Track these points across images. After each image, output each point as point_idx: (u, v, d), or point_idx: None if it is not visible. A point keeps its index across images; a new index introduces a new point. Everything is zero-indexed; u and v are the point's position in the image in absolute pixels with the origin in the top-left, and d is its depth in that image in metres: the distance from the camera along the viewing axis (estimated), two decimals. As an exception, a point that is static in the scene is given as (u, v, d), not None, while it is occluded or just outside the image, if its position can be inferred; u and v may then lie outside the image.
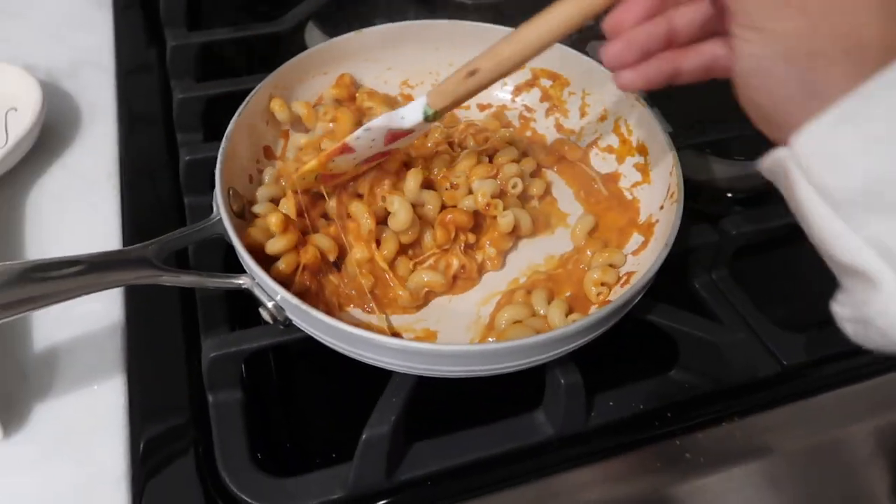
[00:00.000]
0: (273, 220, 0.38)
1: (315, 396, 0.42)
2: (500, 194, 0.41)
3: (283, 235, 0.38)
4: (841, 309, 0.28)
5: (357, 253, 0.39)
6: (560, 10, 0.32)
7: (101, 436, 0.38)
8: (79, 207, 0.48)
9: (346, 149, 0.38)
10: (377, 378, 0.36)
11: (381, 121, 0.37)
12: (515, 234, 0.42)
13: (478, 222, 0.42)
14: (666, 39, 0.33)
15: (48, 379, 0.39)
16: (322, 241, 0.39)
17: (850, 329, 0.27)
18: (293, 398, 0.42)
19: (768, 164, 0.28)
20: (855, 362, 0.43)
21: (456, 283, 0.40)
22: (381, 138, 0.38)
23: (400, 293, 0.39)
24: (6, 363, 0.39)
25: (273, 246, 0.38)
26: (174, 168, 0.50)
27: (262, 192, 0.42)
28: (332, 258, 0.39)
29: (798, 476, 0.39)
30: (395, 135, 0.38)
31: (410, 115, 0.37)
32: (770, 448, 0.39)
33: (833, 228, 0.25)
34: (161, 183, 0.50)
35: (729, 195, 0.55)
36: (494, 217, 0.41)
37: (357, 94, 0.47)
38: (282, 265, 0.37)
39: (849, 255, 0.25)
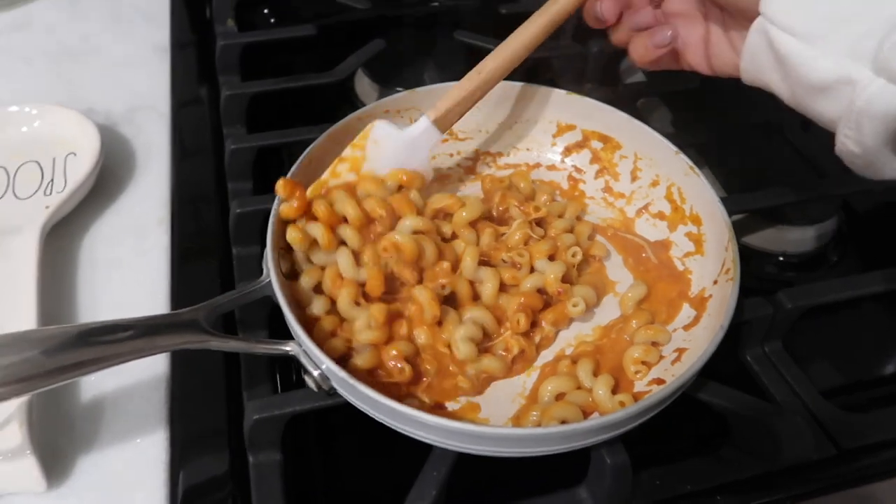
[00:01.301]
0: (375, 313, 0.38)
1: (354, 461, 0.42)
2: (566, 276, 0.41)
3: (379, 329, 0.38)
4: (843, 141, 0.33)
5: (421, 336, 0.38)
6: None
7: (141, 490, 0.38)
8: (130, 253, 0.49)
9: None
10: (420, 446, 0.36)
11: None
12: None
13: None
14: None
15: (93, 431, 0.40)
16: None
17: (858, 162, 0.33)
18: (332, 462, 0.42)
19: (748, 49, 0.35)
20: (916, 447, 0.41)
21: (514, 365, 0.40)
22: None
23: (461, 384, 0.38)
24: (54, 413, 0.40)
25: (362, 335, 0.38)
26: (224, 214, 0.51)
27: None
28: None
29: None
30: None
31: (418, 134, 0.43)
32: (823, 535, 0.38)
33: (809, 57, 0.31)
34: (210, 229, 0.51)
35: (781, 259, 0.53)
36: (561, 299, 0.40)
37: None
38: (363, 359, 0.37)
39: (827, 71, 0.31)
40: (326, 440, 0.42)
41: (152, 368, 0.42)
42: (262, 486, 0.37)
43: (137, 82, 0.63)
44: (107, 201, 0.52)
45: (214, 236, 0.50)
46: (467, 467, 0.36)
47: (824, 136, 0.62)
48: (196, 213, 0.53)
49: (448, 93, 0.43)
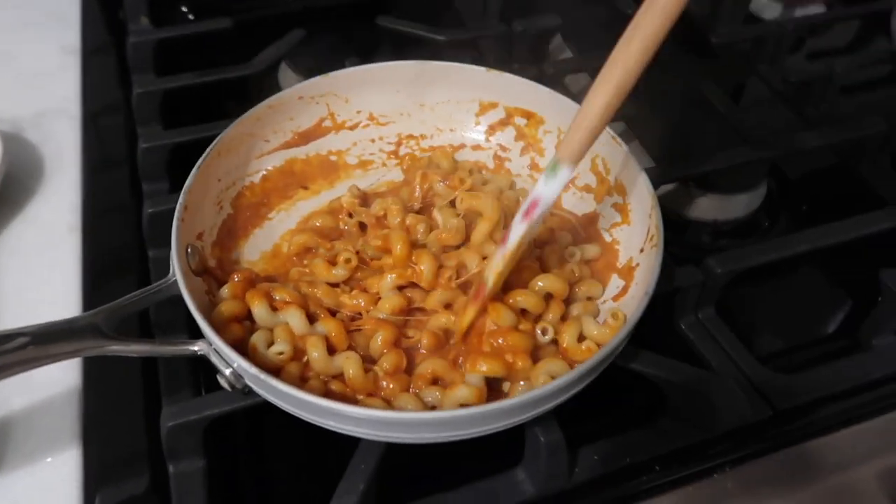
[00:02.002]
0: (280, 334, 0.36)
1: (284, 460, 0.40)
2: None
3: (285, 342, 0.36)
4: None
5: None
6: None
7: (55, 511, 0.36)
8: (40, 262, 0.46)
9: None
10: (349, 440, 0.34)
11: None
12: None
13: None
14: None
15: (1, 450, 0.37)
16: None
17: None
18: (260, 462, 0.40)
19: None
20: (851, 403, 0.41)
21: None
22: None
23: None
24: (-44, 436, 0.37)
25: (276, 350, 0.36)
26: (140, 219, 0.49)
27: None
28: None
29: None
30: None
31: None
32: (765, 498, 0.37)
33: None
34: (125, 236, 0.48)
35: (713, 227, 0.53)
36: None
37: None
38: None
39: None
40: (254, 440, 0.40)
41: (64, 381, 0.40)
42: (183, 496, 0.35)
43: (47, 87, 0.60)
44: (13, 210, 0.50)
45: (131, 242, 0.48)
46: (402, 456, 0.35)
47: (752, 104, 0.63)
48: (111, 219, 0.50)
49: (575, 126, 0.35)
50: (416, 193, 0.43)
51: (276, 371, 0.35)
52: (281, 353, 0.35)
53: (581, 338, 0.37)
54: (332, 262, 0.40)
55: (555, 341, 0.38)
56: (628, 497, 0.37)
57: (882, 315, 0.44)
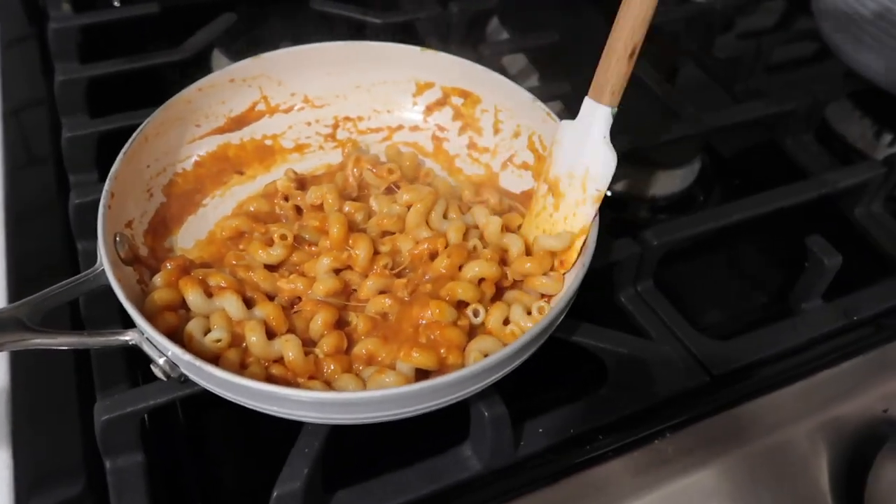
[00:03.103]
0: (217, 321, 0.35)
1: (227, 446, 0.39)
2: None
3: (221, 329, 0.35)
4: None
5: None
6: None
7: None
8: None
9: None
10: (292, 425, 0.34)
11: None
12: None
13: None
14: None
15: (-78, 457, 0.35)
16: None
17: None
18: (203, 451, 0.39)
19: None
20: (783, 365, 0.42)
21: None
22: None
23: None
24: None
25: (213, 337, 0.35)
26: (67, 213, 0.47)
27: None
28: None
29: (742, 487, 0.38)
30: None
31: None
32: (706, 461, 0.38)
33: None
34: (53, 231, 0.46)
35: (650, 203, 0.55)
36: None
37: None
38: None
39: None
40: (196, 428, 0.39)
41: (-11, 381, 0.38)
42: (122, 492, 0.34)
43: (-38, 78, 0.57)
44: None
45: (59, 236, 0.46)
46: (348, 438, 0.34)
47: (683, 82, 0.64)
48: (37, 214, 0.48)
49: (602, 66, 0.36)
50: (350, 180, 0.42)
51: (214, 359, 0.34)
52: (218, 341, 0.35)
53: (506, 321, 0.38)
54: (269, 244, 0.39)
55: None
56: (573, 467, 0.37)
57: (808, 280, 0.45)
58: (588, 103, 0.37)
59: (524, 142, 0.45)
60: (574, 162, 0.38)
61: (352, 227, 0.40)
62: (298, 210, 0.42)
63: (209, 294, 0.36)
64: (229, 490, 0.38)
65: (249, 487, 0.38)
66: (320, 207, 0.41)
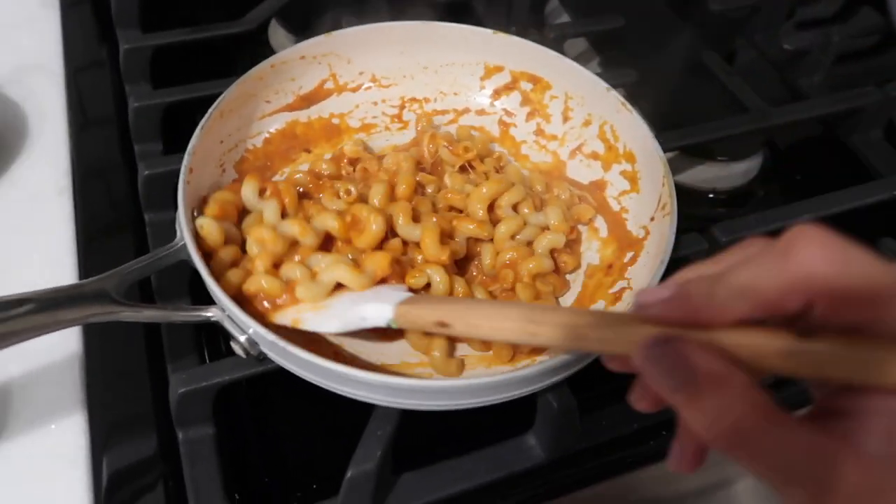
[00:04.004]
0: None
1: (293, 426, 0.40)
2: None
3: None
4: None
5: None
6: (556, 329, 0.27)
7: (61, 480, 0.35)
8: (29, 226, 0.45)
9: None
10: (360, 405, 0.34)
11: (339, 326, 0.34)
12: None
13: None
14: None
15: (1, 420, 0.36)
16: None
17: None
18: (270, 429, 0.39)
19: None
20: None
21: None
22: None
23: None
24: (-47, 405, 0.36)
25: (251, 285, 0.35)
26: (132, 180, 0.47)
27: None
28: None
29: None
30: None
31: (373, 318, 0.33)
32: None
33: None
34: (118, 197, 0.47)
35: (711, 196, 0.54)
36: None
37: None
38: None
39: None
40: (263, 406, 0.40)
41: (63, 347, 0.39)
42: (195, 462, 0.35)
43: (24, 41, 0.57)
44: (-3, 171, 0.48)
45: (124, 204, 0.46)
46: (413, 423, 0.35)
47: (746, 72, 0.63)
48: (102, 180, 0.49)
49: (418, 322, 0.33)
50: (426, 155, 0.42)
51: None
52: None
53: None
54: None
55: None
56: (636, 461, 0.37)
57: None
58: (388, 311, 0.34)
59: (595, 131, 0.44)
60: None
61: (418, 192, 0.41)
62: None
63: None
64: (292, 466, 0.39)
65: (311, 465, 0.39)
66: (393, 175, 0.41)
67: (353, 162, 0.43)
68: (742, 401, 0.21)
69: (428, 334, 0.36)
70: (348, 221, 0.37)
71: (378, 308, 0.33)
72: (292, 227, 0.36)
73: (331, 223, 0.37)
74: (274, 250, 0.35)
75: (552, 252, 0.40)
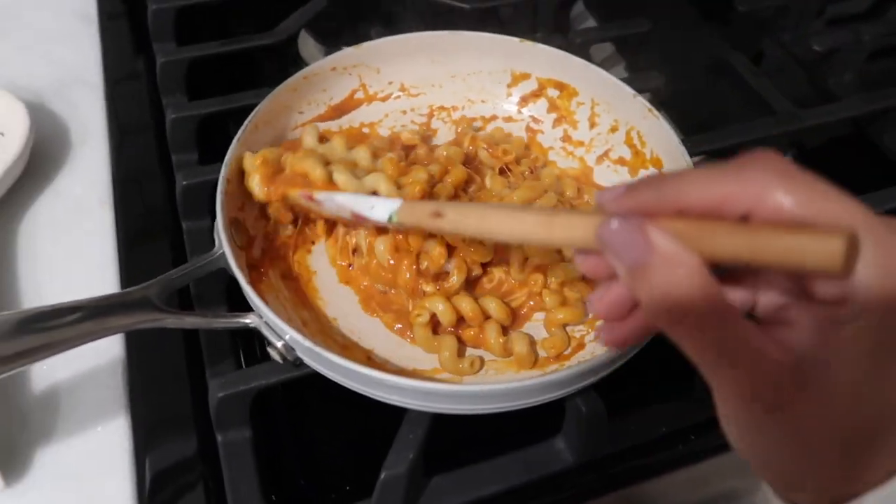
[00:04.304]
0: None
1: (328, 429, 0.41)
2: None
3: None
4: None
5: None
6: (549, 226, 0.28)
7: (107, 479, 0.36)
8: (73, 235, 0.47)
9: (311, 199, 0.38)
10: (392, 409, 0.35)
11: (349, 201, 0.36)
12: None
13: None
14: None
15: (49, 422, 0.38)
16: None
17: None
18: (305, 432, 0.41)
19: None
20: None
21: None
22: (346, 213, 0.37)
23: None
24: (5, 408, 0.38)
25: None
26: (170, 189, 0.49)
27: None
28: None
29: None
30: (358, 217, 0.37)
31: (378, 211, 0.35)
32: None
33: None
34: (156, 206, 0.48)
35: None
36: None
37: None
38: None
39: None
40: (296, 412, 0.41)
41: (107, 353, 0.40)
42: (233, 464, 0.36)
43: (65, 55, 0.59)
44: (42, 183, 0.49)
45: (162, 213, 0.48)
46: (443, 426, 0.35)
47: (774, 73, 0.63)
48: (141, 191, 0.50)
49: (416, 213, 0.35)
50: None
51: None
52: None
53: None
54: None
55: None
56: (665, 465, 0.38)
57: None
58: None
59: (622, 137, 0.45)
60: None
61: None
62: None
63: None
64: (327, 468, 0.40)
65: (345, 468, 0.40)
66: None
67: (407, 149, 0.44)
68: (690, 280, 0.23)
69: (437, 335, 0.38)
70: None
71: (386, 200, 0.35)
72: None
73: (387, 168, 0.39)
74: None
75: None
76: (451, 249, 0.38)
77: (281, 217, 0.40)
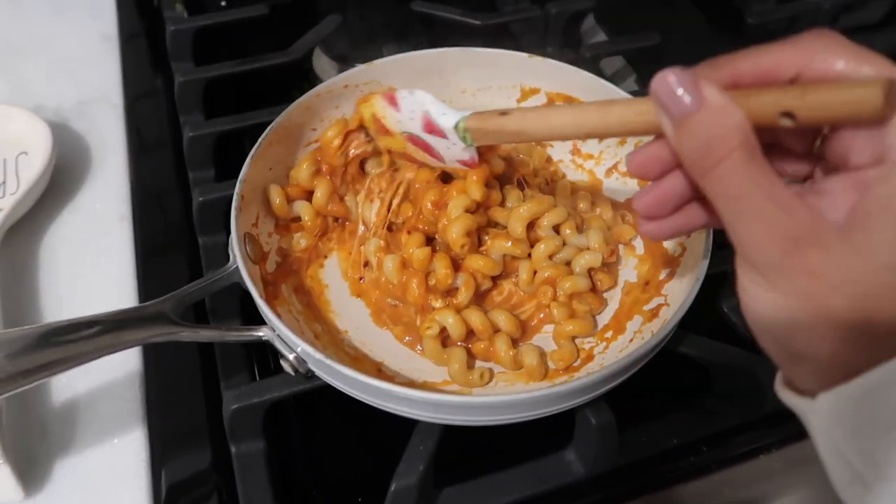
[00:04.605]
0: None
1: (339, 441, 0.41)
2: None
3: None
4: None
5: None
6: (606, 112, 0.30)
7: (123, 489, 0.37)
8: (93, 250, 0.48)
9: (392, 101, 0.39)
10: (403, 421, 0.35)
11: (427, 100, 0.37)
12: None
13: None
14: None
15: (68, 434, 0.39)
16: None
17: None
18: (317, 444, 0.41)
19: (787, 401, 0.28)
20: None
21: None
22: (418, 118, 0.38)
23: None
24: (25, 418, 0.39)
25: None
26: (186, 205, 0.50)
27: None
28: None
29: None
30: (430, 126, 0.38)
31: (448, 118, 0.37)
32: (814, 477, 0.38)
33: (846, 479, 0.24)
34: (173, 222, 0.50)
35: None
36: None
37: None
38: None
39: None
40: (308, 424, 0.42)
41: (124, 365, 0.41)
42: (246, 476, 0.37)
43: (86, 75, 0.61)
44: (64, 199, 0.51)
45: (179, 228, 0.49)
46: (453, 438, 0.36)
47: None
48: (159, 206, 0.51)
49: (483, 116, 0.36)
50: None
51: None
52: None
53: None
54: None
55: None
56: (676, 477, 0.38)
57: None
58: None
59: (630, 149, 0.45)
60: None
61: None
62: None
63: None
64: (338, 480, 0.40)
65: (357, 479, 0.40)
66: None
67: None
68: (734, 131, 0.24)
69: (445, 346, 0.39)
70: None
71: (452, 112, 0.37)
72: None
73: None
74: None
75: (589, 271, 0.40)
76: (457, 266, 0.39)
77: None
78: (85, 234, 0.49)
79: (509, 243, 0.40)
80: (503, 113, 0.34)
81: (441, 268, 0.38)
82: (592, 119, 0.30)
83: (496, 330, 0.39)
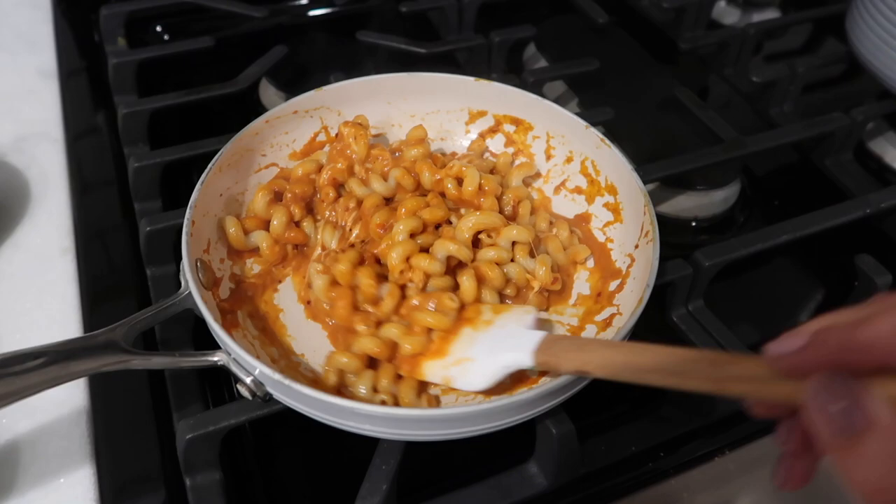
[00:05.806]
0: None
1: (299, 466, 0.40)
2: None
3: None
4: None
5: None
6: (699, 379, 0.27)
7: (71, 533, 0.35)
8: (34, 286, 0.46)
9: None
10: (364, 441, 0.35)
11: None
12: None
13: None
14: None
15: (9, 477, 0.37)
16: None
17: None
18: (275, 470, 0.40)
19: None
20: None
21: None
22: None
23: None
24: (-37, 463, 0.37)
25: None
26: (133, 239, 0.49)
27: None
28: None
29: (803, 499, 0.39)
30: None
31: (514, 364, 0.36)
32: (765, 480, 0.39)
33: None
34: (119, 256, 0.48)
35: (693, 224, 0.56)
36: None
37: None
38: None
39: None
40: (266, 451, 0.41)
41: (69, 402, 0.40)
42: (203, 508, 0.35)
43: (25, 111, 0.59)
44: (1, 236, 0.49)
45: (125, 261, 0.48)
46: (415, 456, 0.35)
47: (720, 106, 0.66)
48: (103, 240, 0.50)
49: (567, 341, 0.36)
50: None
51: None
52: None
53: None
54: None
55: None
56: (637, 484, 0.38)
57: (858, 299, 0.46)
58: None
59: (577, 167, 0.46)
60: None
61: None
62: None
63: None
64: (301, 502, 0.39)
65: (318, 502, 0.39)
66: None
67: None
68: None
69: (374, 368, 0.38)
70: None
71: (517, 356, 0.35)
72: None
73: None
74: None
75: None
76: (380, 278, 0.39)
77: None
78: (25, 270, 0.47)
79: (454, 246, 0.40)
80: (582, 372, 0.32)
81: (363, 277, 0.38)
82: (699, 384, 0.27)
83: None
